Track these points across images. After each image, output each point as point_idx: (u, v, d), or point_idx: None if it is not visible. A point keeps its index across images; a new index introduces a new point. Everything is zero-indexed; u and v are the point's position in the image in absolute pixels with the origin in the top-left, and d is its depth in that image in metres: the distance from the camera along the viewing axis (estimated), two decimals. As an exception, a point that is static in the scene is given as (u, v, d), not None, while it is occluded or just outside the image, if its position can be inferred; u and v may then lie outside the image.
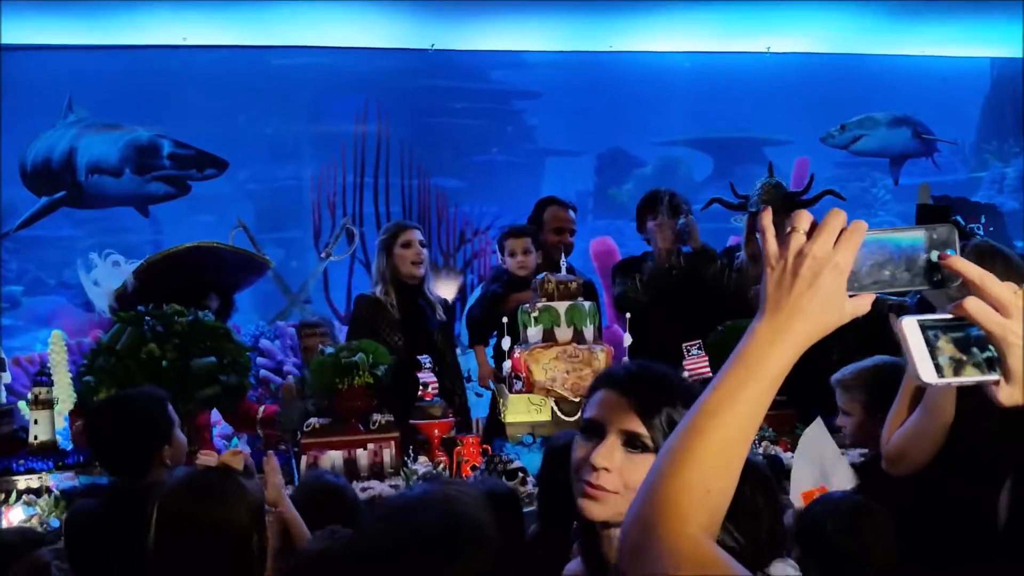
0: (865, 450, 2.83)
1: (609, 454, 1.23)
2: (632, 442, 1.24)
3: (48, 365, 4.02)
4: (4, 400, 3.75)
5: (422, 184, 6.36)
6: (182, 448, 2.23)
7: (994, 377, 0.85)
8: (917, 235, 0.91)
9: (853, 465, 2.52)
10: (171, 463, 2.12)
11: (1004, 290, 0.83)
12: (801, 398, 3.05)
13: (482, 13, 5.87)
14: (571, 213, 4.29)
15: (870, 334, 2.56)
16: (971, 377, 0.86)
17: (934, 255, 0.89)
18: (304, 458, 3.11)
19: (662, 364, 1.34)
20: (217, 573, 1.56)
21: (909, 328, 0.88)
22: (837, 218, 0.89)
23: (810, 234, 0.89)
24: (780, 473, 2.63)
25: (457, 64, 6.74)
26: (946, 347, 0.87)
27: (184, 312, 3.24)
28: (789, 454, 3.09)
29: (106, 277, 4.27)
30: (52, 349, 4.40)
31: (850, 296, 0.89)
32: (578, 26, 6.20)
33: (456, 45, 6.46)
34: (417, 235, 3.85)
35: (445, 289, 5.08)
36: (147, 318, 3.19)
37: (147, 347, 3.09)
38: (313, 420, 3.30)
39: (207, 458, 1.68)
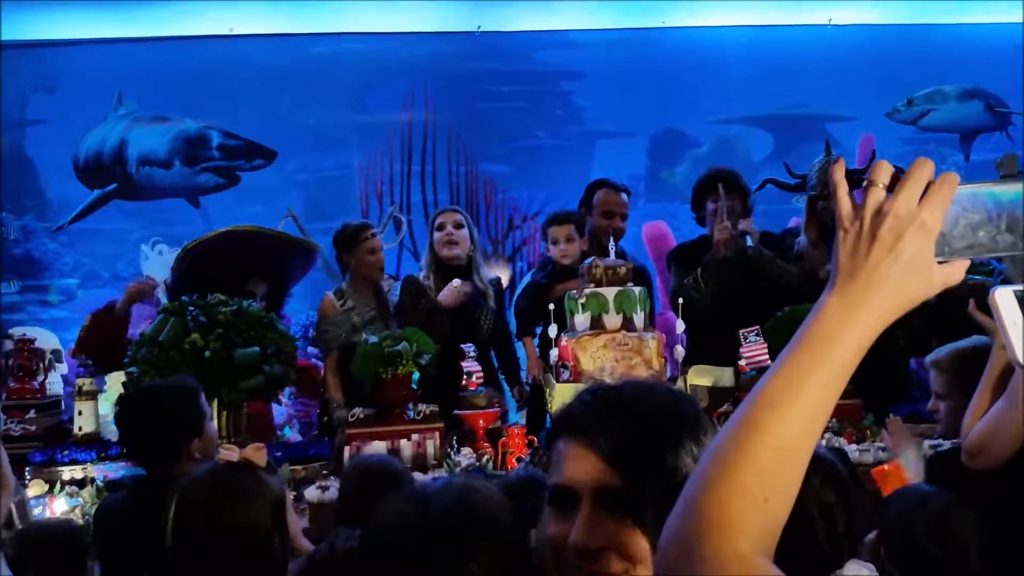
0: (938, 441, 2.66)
1: (594, 528, 0.95)
2: (612, 502, 0.95)
3: (96, 356, 4.04)
4: (60, 391, 3.80)
5: (469, 170, 6.28)
6: (212, 441, 2.17)
7: None
8: (1020, 188, 0.75)
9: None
10: (200, 456, 2.06)
11: None
12: (866, 385, 2.88)
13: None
14: (623, 196, 4.15)
15: (947, 316, 2.38)
16: None
17: None
18: (347, 449, 3.07)
19: (629, 382, 1.08)
20: (236, 572, 1.49)
21: (1004, 301, 0.76)
22: (923, 169, 0.74)
23: (891, 189, 0.74)
24: (848, 467, 2.46)
25: (503, 46, 6.58)
26: None
27: (227, 302, 3.22)
28: (855, 447, 2.93)
29: (155, 268, 4.30)
30: (105, 341, 4.43)
31: (939, 263, 0.75)
32: (627, 2, 6.00)
33: (502, 26, 6.32)
34: (450, 217, 3.84)
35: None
36: (190, 308, 3.17)
37: (190, 337, 3.07)
38: (357, 410, 3.30)
39: (228, 453, 1.60)
